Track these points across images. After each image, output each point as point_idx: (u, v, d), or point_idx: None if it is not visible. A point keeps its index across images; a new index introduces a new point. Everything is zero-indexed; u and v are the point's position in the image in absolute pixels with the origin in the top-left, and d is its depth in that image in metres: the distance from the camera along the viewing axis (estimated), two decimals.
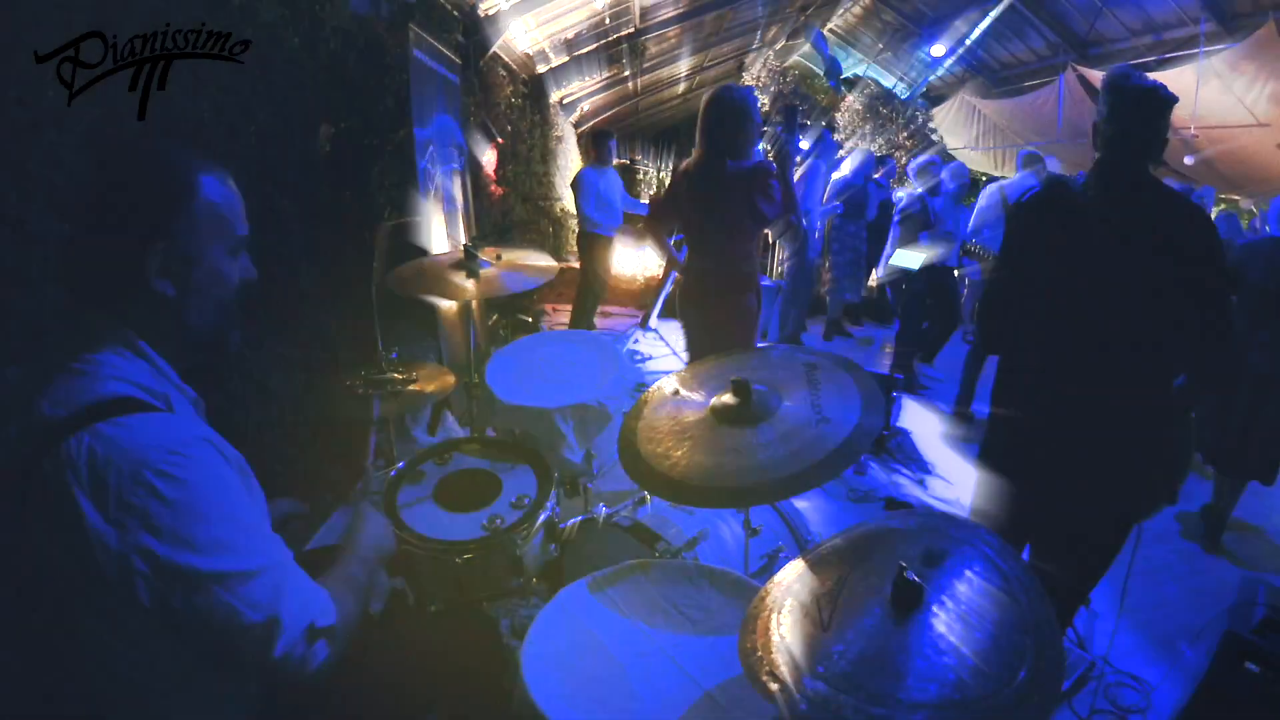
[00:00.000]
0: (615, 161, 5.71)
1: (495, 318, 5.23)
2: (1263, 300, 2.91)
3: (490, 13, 4.95)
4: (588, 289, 5.55)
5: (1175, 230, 1.61)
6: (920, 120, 10.87)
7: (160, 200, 0.91)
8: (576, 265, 5.83)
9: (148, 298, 0.91)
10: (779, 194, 2.63)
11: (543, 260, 2.30)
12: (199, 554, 0.81)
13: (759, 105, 2.71)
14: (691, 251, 2.86)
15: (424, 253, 3.12)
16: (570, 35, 6.69)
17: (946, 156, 9.48)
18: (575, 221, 5.80)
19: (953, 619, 0.90)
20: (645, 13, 6.84)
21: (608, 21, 6.62)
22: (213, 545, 0.82)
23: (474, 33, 4.90)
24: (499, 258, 2.22)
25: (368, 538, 1.19)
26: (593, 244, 5.38)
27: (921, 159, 4.74)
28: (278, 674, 0.87)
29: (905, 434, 4.17)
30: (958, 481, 3.64)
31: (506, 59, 5.93)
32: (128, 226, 0.90)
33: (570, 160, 9.10)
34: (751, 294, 2.77)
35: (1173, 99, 1.63)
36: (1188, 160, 7.20)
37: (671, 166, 13.47)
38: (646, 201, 6.62)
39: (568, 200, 5.83)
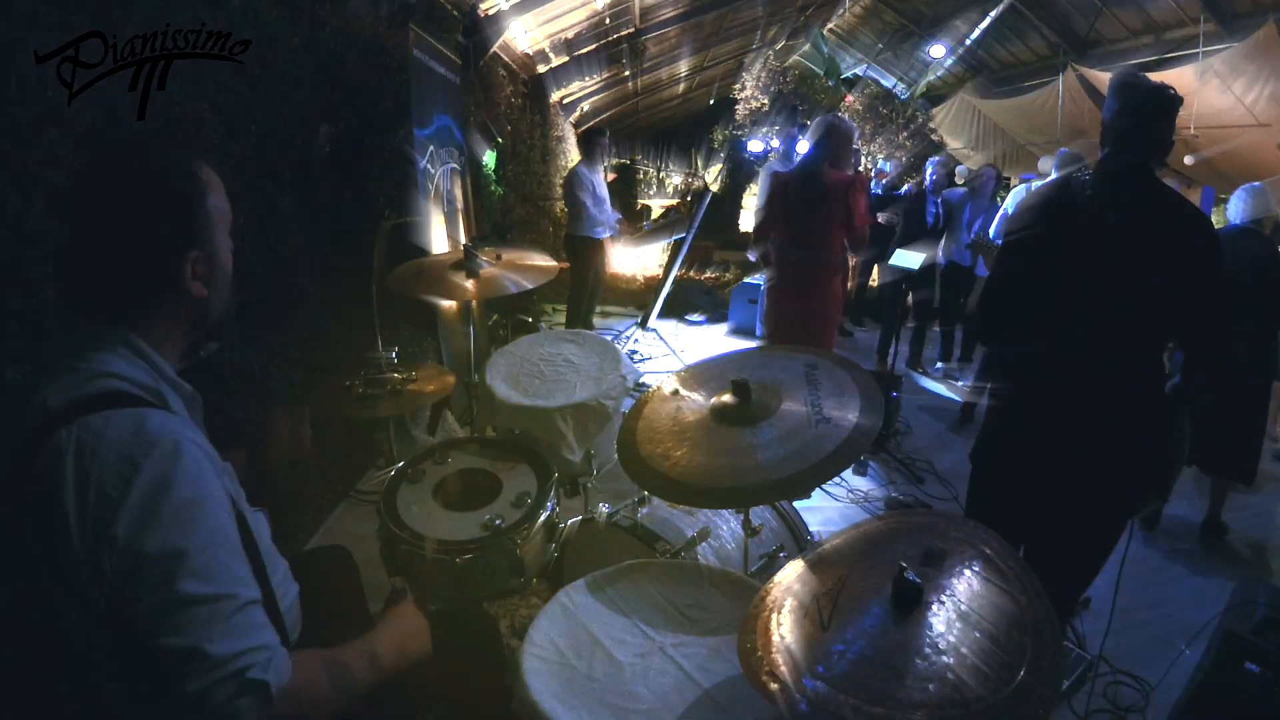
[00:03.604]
0: (615, 160, 5.66)
1: (495, 318, 5.23)
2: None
3: (490, 13, 4.96)
4: (578, 293, 5.35)
5: (1175, 230, 1.62)
6: (920, 120, 10.85)
7: (188, 211, 0.92)
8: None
9: (178, 304, 0.93)
10: (864, 204, 3.21)
11: (543, 260, 2.30)
12: (147, 552, 0.78)
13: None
14: (790, 246, 3.27)
15: (424, 253, 3.13)
16: (570, 35, 6.70)
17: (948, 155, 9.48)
18: None
19: (952, 618, 0.90)
20: (645, 13, 6.84)
21: (608, 21, 6.63)
22: (163, 550, 0.78)
23: (474, 33, 4.90)
24: (499, 258, 2.22)
25: (393, 638, 1.08)
26: (587, 245, 5.20)
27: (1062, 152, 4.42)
28: (197, 710, 0.78)
29: (905, 434, 4.18)
30: (958, 481, 3.64)
31: (506, 59, 5.93)
32: (165, 245, 0.90)
33: (570, 160, 9.12)
34: (839, 278, 3.32)
35: (1179, 100, 1.65)
36: (1188, 160, 7.20)
37: (667, 167, 13.50)
38: (645, 204, 6.61)
39: (564, 201, 5.79)
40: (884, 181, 5.71)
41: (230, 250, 1.01)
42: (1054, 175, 4.15)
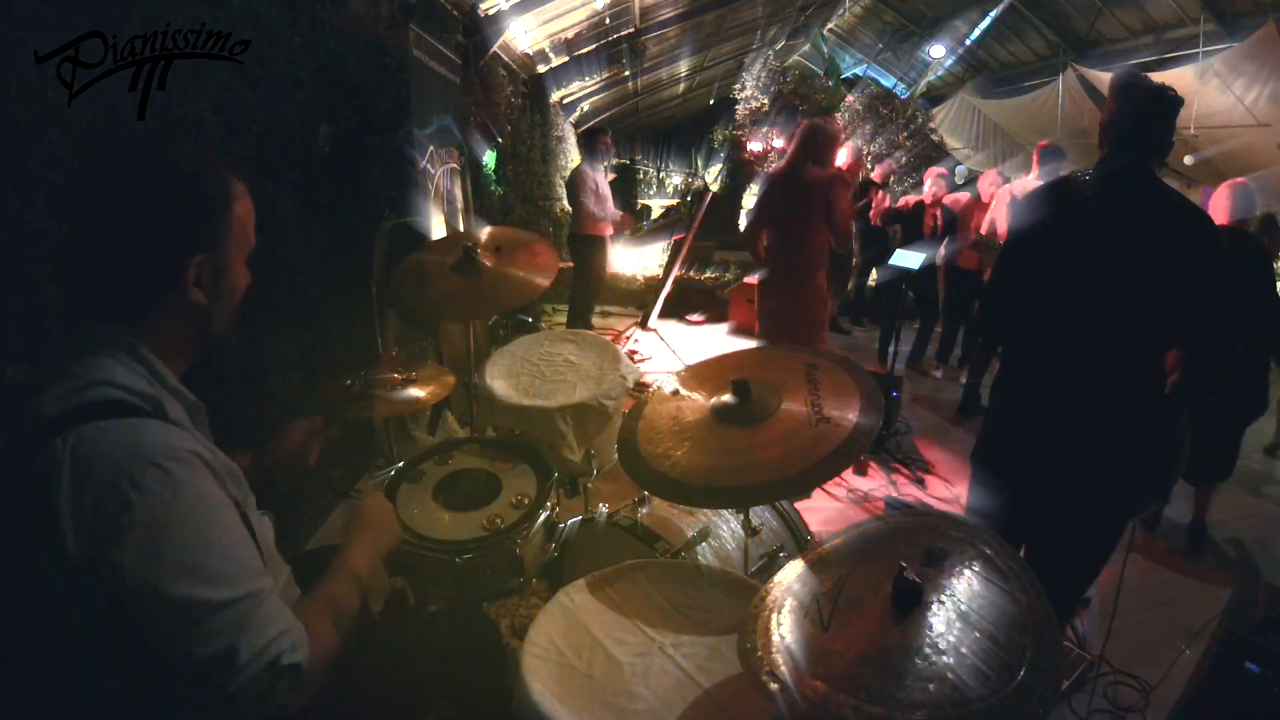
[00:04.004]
0: (615, 160, 5.69)
1: (495, 318, 5.23)
2: None
3: (490, 13, 4.96)
4: (581, 291, 5.41)
5: (1176, 229, 1.61)
6: (920, 120, 10.84)
7: (208, 212, 0.91)
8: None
9: (178, 307, 0.92)
10: (846, 200, 3.31)
11: (540, 246, 2.26)
12: (164, 577, 0.78)
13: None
14: (777, 243, 3.39)
15: (424, 240, 3.12)
16: (570, 35, 6.70)
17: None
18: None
19: (952, 618, 0.90)
20: (645, 13, 6.84)
21: (608, 21, 6.63)
22: (180, 569, 0.78)
23: (474, 33, 4.90)
24: (499, 250, 2.19)
25: (363, 544, 1.13)
26: (589, 244, 5.25)
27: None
28: (231, 706, 0.81)
29: (905, 434, 4.18)
30: (958, 481, 3.64)
31: (506, 59, 5.93)
32: (175, 239, 0.89)
33: (570, 160, 9.11)
34: (824, 272, 3.39)
35: (1180, 101, 1.65)
36: (1188, 160, 7.20)
37: (666, 167, 13.51)
38: (645, 204, 6.63)
39: (567, 200, 5.81)
40: (884, 212, 5.72)
41: (246, 278, 1.00)
42: (1037, 171, 4.14)
